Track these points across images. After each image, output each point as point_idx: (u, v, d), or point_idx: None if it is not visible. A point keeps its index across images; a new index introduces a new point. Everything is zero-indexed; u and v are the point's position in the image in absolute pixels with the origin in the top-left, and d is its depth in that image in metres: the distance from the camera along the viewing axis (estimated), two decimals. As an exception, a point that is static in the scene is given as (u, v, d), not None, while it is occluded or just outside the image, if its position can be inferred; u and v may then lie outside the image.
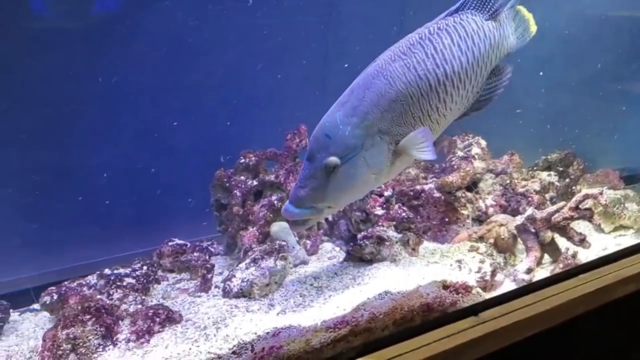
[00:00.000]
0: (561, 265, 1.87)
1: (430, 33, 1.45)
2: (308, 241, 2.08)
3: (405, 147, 1.39)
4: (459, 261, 1.88)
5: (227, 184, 2.06)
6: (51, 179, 2.16)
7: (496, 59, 1.54)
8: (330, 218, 2.18)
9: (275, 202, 1.99)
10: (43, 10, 2.10)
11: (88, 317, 1.47)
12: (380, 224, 2.02)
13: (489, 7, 1.55)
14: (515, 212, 2.25)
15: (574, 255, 1.88)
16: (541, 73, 2.66)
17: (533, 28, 1.66)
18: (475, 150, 2.23)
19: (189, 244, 2.06)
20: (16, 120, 2.08)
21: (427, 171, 2.29)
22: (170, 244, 2.03)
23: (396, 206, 2.05)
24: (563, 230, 1.94)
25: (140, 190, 2.31)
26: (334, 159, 1.35)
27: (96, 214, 2.20)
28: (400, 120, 1.40)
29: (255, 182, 2.02)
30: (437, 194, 2.13)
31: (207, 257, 2.00)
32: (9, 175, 2.08)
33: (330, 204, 1.40)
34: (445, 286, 1.58)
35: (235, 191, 2.02)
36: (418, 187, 2.17)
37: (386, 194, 2.07)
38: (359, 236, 1.98)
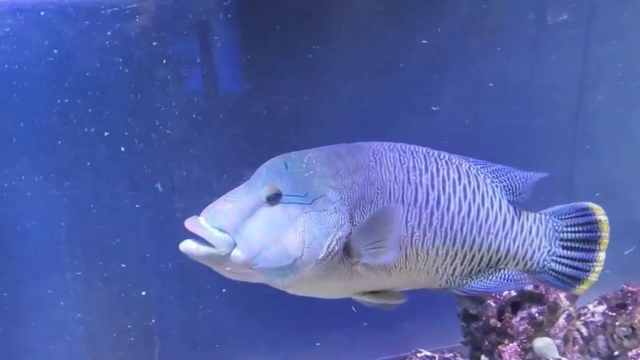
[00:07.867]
0: None
1: (440, 157, 1.23)
2: (564, 359, 1.93)
3: (356, 238, 1.10)
4: None
5: (476, 293, 2.00)
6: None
7: (499, 254, 1.25)
8: (585, 333, 2.03)
9: (537, 314, 1.88)
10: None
11: None
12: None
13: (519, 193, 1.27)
14: None
15: None
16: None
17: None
18: None
19: (437, 356, 1.97)
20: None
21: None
22: (419, 355, 1.96)
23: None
24: None
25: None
26: (276, 188, 1.10)
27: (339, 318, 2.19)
28: (365, 208, 1.14)
29: (513, 293, 1.93)
30: None
31: (460, 372, 1.91)
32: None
33: (241, 244, 1.05)
34: None
35: (489, 301, 1.95)
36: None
37: (655, 307, 1.90)
38: (631, 354, 1.82)
